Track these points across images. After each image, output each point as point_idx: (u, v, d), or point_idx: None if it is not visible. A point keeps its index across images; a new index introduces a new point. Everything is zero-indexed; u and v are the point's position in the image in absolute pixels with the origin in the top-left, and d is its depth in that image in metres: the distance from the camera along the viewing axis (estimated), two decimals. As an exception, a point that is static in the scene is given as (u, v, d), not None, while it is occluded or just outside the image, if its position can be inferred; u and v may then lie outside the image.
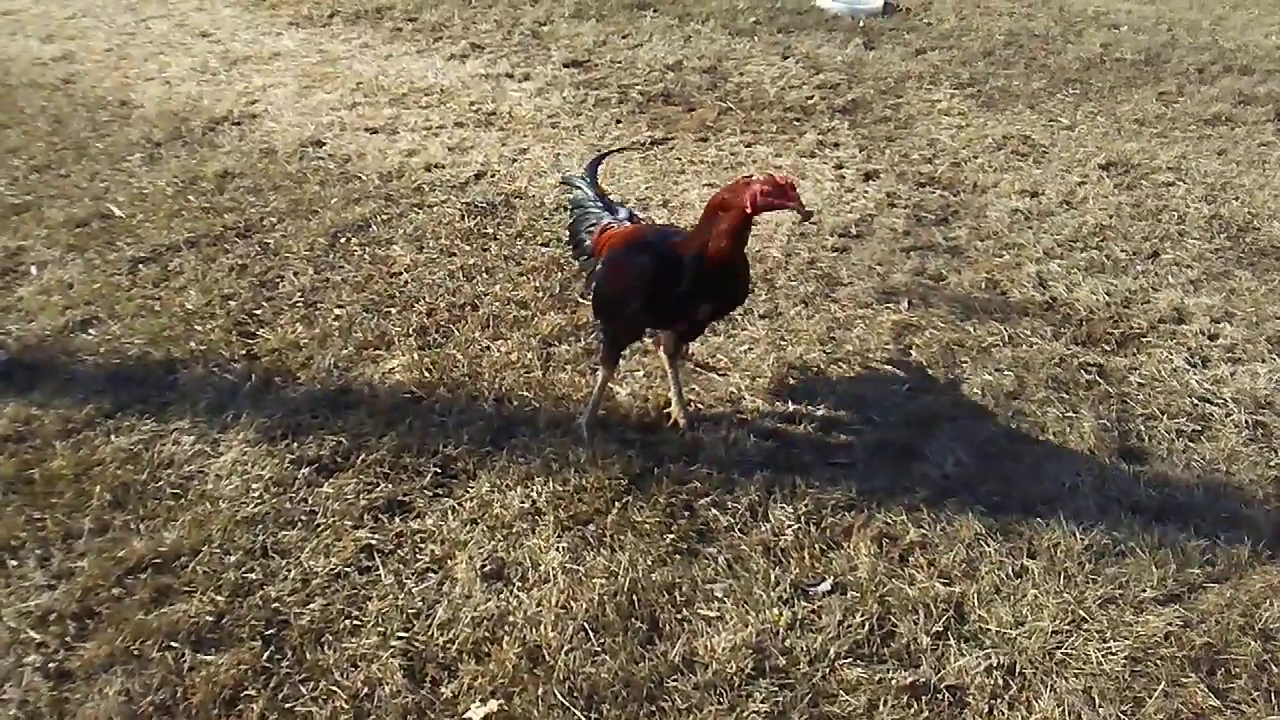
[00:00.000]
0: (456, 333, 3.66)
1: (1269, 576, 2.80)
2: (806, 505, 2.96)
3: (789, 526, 2.89)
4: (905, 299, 4.03)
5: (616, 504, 2.92)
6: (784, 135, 5.59)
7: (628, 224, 3.23)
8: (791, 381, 3.52)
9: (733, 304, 3.08)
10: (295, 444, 3.06)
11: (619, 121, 5.69)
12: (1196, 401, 3.54)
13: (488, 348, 3.59)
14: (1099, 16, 7.61)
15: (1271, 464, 3.24)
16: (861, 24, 7.28)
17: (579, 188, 3.44)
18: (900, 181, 5.07)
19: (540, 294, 3.91)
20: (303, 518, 2.82)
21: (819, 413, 3.37)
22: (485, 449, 3.10)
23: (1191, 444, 3.33)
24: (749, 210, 2.73)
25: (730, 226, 2.77)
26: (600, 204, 3.34)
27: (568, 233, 3.50)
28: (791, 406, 3.39)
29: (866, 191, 4.95)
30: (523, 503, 2.91)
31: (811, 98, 6.09)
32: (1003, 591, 2.74)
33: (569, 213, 3.47)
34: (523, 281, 4.00)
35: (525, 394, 3.36)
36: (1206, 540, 2.90)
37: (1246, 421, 3.43)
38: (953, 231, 4.62)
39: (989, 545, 2.87)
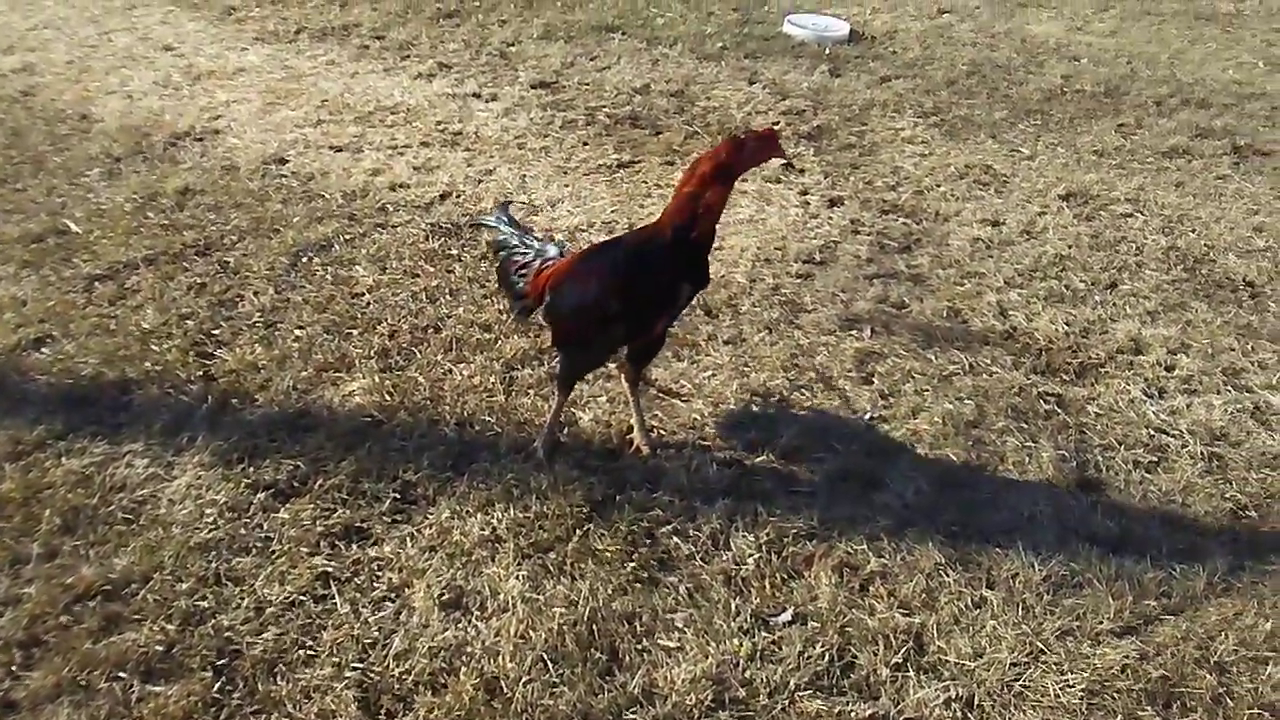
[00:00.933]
0: (418, 355, 3.63)
1: (1224, 609, 2.82)
2: (768, 534, 2.96)
3: (750, 555, 2.88)
4: (868, 326, 4.05)
5: (577, 531, 2.90)
6: (750, 160, 5.60)
7: (561, 259, 3.16)
8: (754, 408, 3.53)
9: (705, 280, 3.00)
10: (252, 468, 3.01)
11: (586, 143, 5.69)
12: (1153, 433, 3.58)
13: (450, 371, 3.56)
14: (1060, 48, 7.72)
15: (1226, 496, 3.28)
16: (828, 51, 7.34)
17: (493, 227, 3.37)
18: (864, 209, 5.11)
19: (504, 317, 3.89)
20: (258, 544, 2.77)
21: (781, 440, 3.37)
22: (446, 474, 3.07)
23: (1148, 475, 3.36)
24: (725, 156, 2.75)
25: (722, 189, 2.78)
26: (525, 242, 3.25)
27: (496, 279, 3.38)
28: (754, 433, 3.39)
29: (831, 218, 4.98)
30: (483, 530, 2.88)
31: (778, 123, 6.12)
32: (962, 622, 2.75)
33: (493, 257, 3.39)
34: (486, 304, 3.98)
35: (487, 418, 3.33)
36: (1163, 572, 2.93)
37: (1202, 453, 3.47)
38: (915, 259, 4.66)
39: (949, 575, 2.88)
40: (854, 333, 4.00)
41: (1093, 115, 6.58)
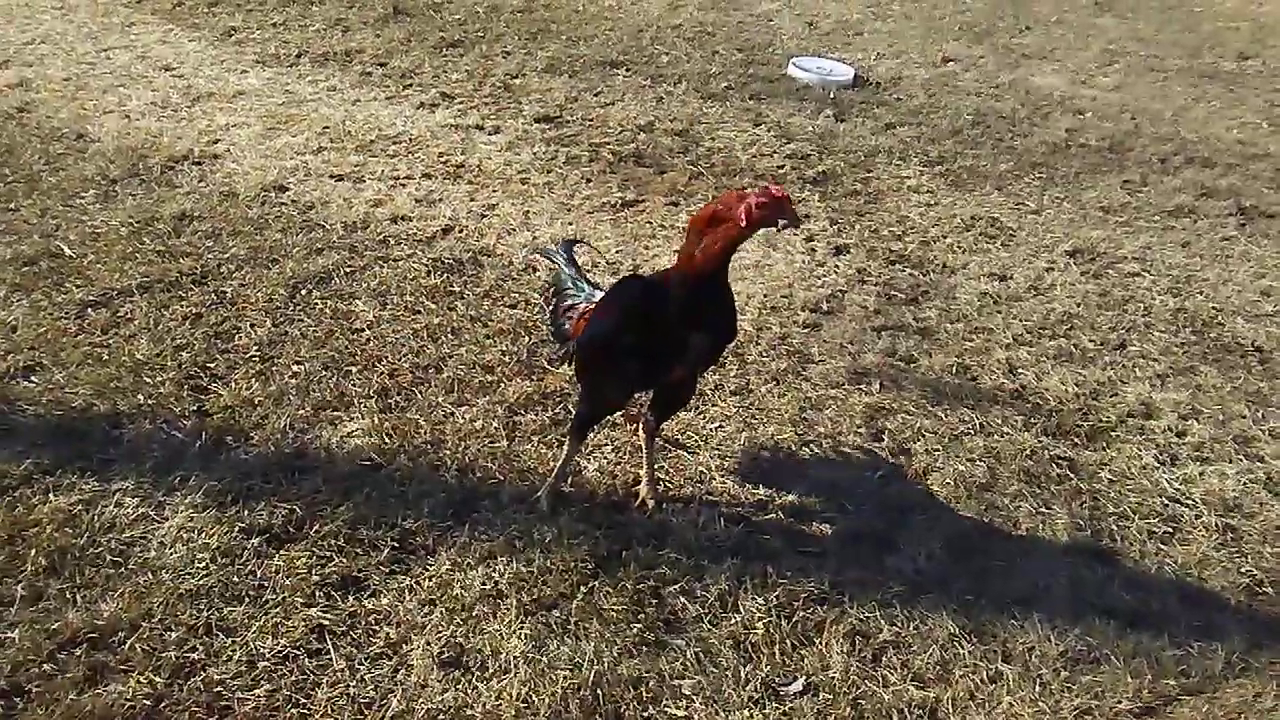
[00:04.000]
0: (419, 396, 3.54)
1: (1243, 690, 2.75)
2: (778, 596, 2.87)
3: (760, 619, 2.79)
4: (877, 380, 3.99)
5: (582, 588, 2.81)
6: (755, 204, 5.55)
7: None
8: (762, 463, 3.44)
9: (728, 334, 2.89)
10: (246, 511, 2.91)
11: (589, 180, 5.63)
12: (1167, 502, 3.51)
13: (451, 414, 3.47)
14: (1064, 101, 7.74)
15: (1242, 570, 3.21)
16: (832, 95, 7.33)
17: (556, 264, 3.31)
18: (870, 258, 5.06)
19: (507, 359, 3.81)
20: (251, 593, 2.66)
21: (790, 497, 3.29)
22: (446, 524, 2.97)
23: (1164, 546, 3.29)
24: (744, 224, 2.57)
25: (722, 241, 2.62)
26: (578, 284, 3.20)
27: (549, 319, 3.30)
28: (762, 490, 3.31)
29: (837, 266, 4.93)
30: (484, 584, 2.78)
31: (783, 167, 6.08)
32: (978, 698, 2.66)
33: (549, 295, 3.31)
34: (489, 344, 3.89)
35: (489, 465, 3.24)
36: (1180, 650, 2.85)
37: (1217, 525, 3.41)
38: (923, 312, 4.60)
39: (963, 647, 2.80)
40: (863, 387, 3.93)
41: (1098, 170, 6.57)
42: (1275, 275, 5.36)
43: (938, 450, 3.62)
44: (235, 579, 2.69)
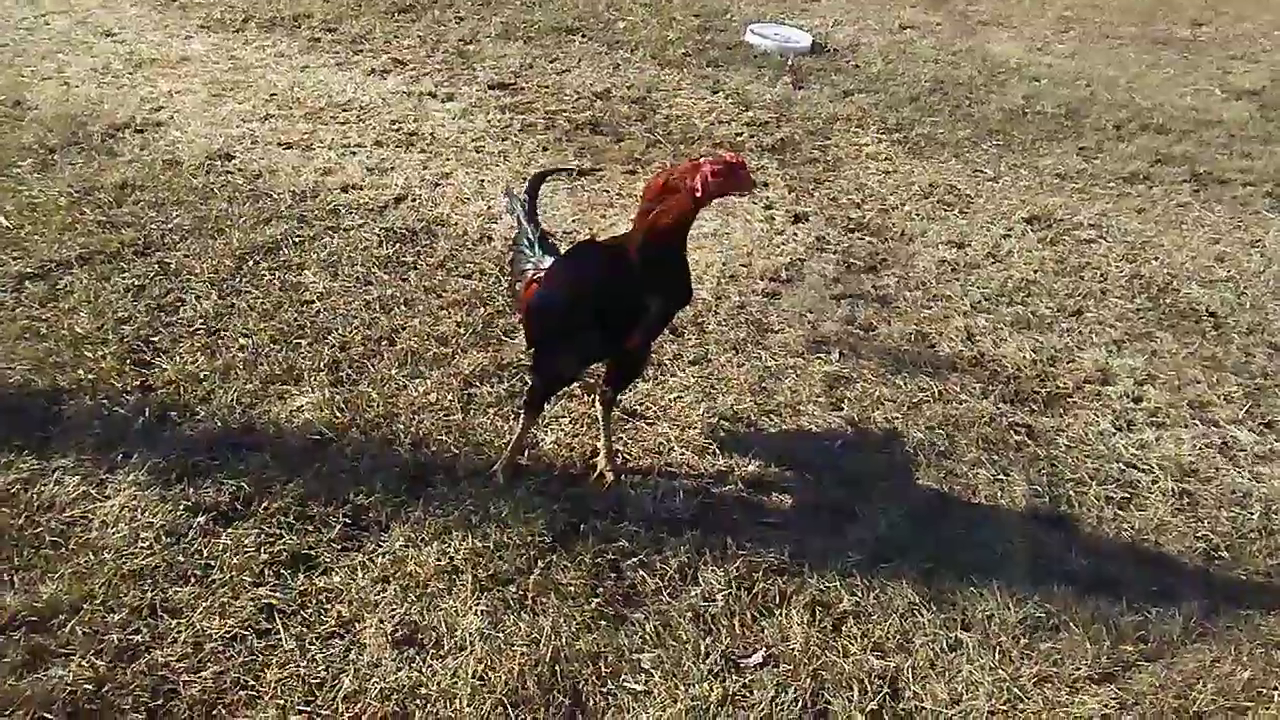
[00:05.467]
0: (371, 369, 3.46)
1: (1201, 655, 2.76)
2: (737, 568, 2.84)
3: (719, 592, 2.76)
4: (836, 349, 3.96)
5: (539, 563, 2.76)
6: (713, 172, 5.49)
7: None
8: (722, 433, 3.40)
9: (682, 298, 2.83)
10: (191, 488, 2.82)
11: (545, 149, 5.53)
12: (1124, 467, 3.52)
13: (405, 386, 3.39)
14: (1020, 68, 7.73)
15: (1199, 535, 3.22)
16: (790, 62, 7.26)
17: (515, 210, 3.23)
18: (829, 225, 5.02)
19: (462, 330, 3.73)
20: (196, 572, 2.59)
21: (750, 467, 3.26)
22: (399, 499, 2.90)
23: (1121, 512, 3.30)
24: (699, 195, 2.53)
25: (676, 210, 2.57)
26: (533, 247, 3.12)
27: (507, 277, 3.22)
28: (721, 460, 3.28)
29: (796, 234, 4.89)
30: (438, 560, 2.72)
31: (741, 134, 6.02)
32: (937, 666, 2.65)
33: (509, 252, 3.23)
34: (444, 315, 3.81)
35: (444, 438, 3.17)
36: (1139, 615, 2.86)
37: (1173, 490, 3.42)
38: (881, 280, 4.58)
39: (923, 615, 2.78)
40: (822, 355, 3.90)
41: (1054, 137, 6.57)
42: (1229, 241, 5.39)
43: (897, 418, 3.60)
44: (180, 559, 2.61)
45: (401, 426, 3.19)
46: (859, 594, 2.83)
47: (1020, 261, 4.90)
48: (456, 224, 4.54)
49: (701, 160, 2.59)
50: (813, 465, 3.30)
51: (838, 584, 2.84)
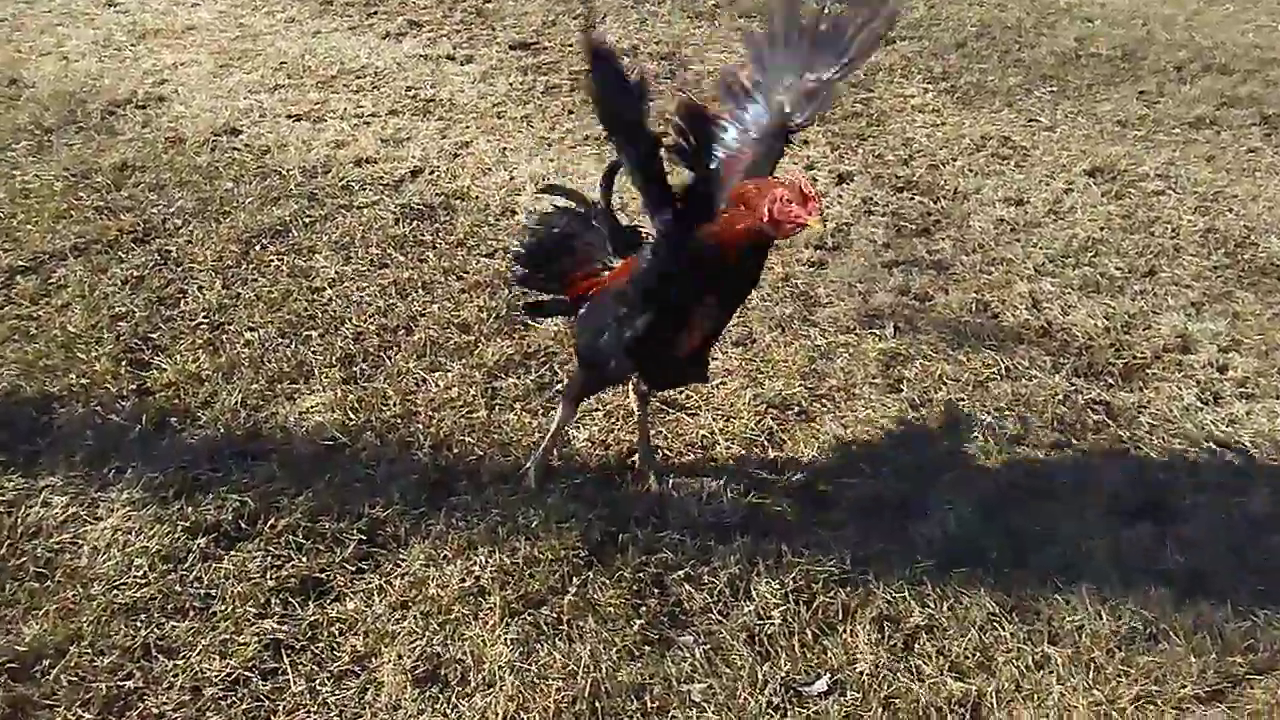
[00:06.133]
0: (387, 362, 3.19)
1: (1319, 665, 2.45)
2: (794, 579, 2.56)
3: (776, 607, 2.48)
4: (890, 323, 3.64)
5: (574, 580, 2.49)
6: (749, 130, 5.15)
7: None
8: (771, 422, 3.11)
9: (738, 301, 2.61)
10: (190, 506, 2.57)
11: (571, 112, 5.21)
12: (1215, 447, 3.19)
13: (424, 381, 3.12)
14: (1072, 8, 7.28)
15: (1307, 526, 2.89)
16: (828, 8, 6.87)
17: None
18: (876, 185, 4.68)
19: (485, 315, 3.44)
20: (196, 604, 2.34)
21: (803, 460, 2.96)
22: (419, 510, 2.64)
23: (1215, 498, 2.97)
24: (765, 220, 2.23)
25: (744, 226, 2.28)
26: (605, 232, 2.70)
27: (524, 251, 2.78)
28: (772, 453, 2.99)
29: (841, 197, 4.55)
30: (463, 580, 2.46)
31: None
32: (1024, 688, 2.36)
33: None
34: (465, 300, 3.53)
35: (467, 439, 2.90)
36: (1245, 621, 2.54)
37: (1269, 472, 3.09)
38: (936, 243, 4.24)
39: (1004, 628, 2.49)
40: (876, 331, 3.58)
41: (1111, 81, 6.15)
42: (1308, 188, 4.99)
43: (962, 400, 3.29)
44: (178, 588, 2.36)
45: (420, 427, 2.92)
46: (931, 605, 2.54)
47: (1085, 218, 4.54)
48: (478, 197, 4.24)
49: (780, 182, 2.28)
50: (872, 456, 3.00)
51: (906, 594, 2.55)
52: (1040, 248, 4.25)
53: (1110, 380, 3.47)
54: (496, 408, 3.03)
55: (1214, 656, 2.44)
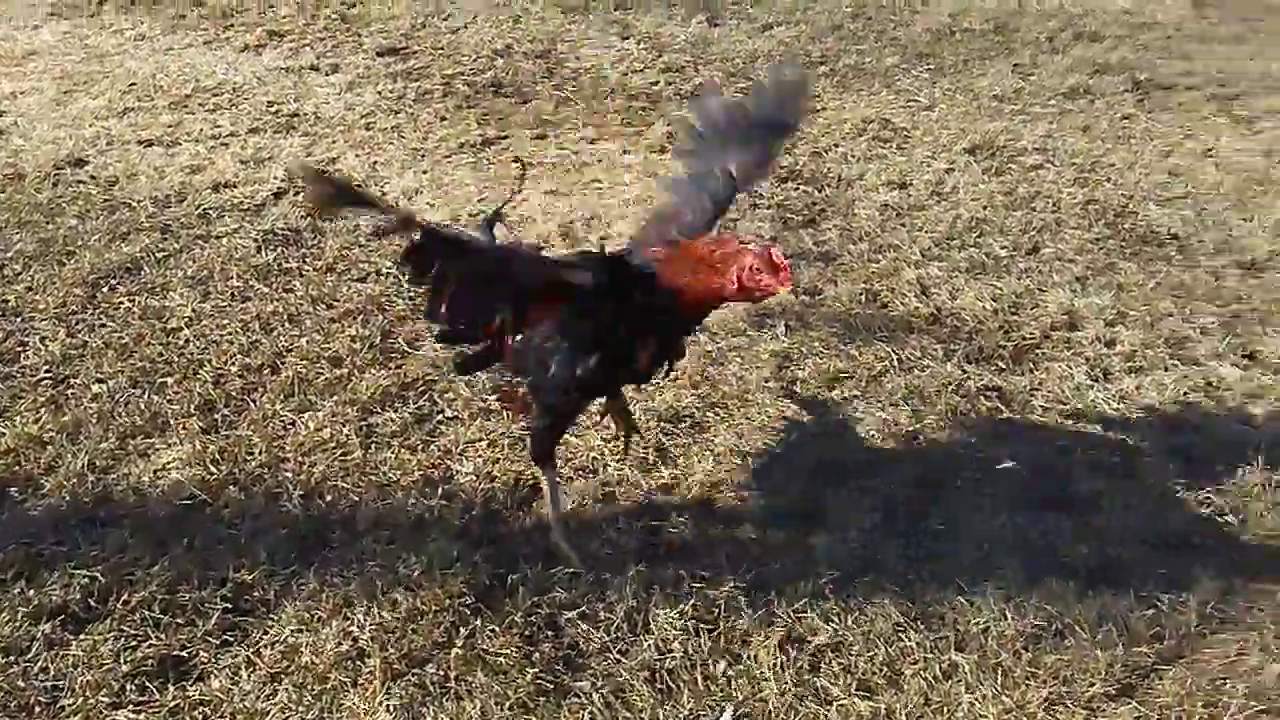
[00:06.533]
0: (252, 406, 2.98)
1: (1224, 648, 2.42)
2: (693, 606, 2.44)
3: (676, 639, 2.36)
4: (781, 322, 3.55)
5: (461, 631, 2.34)
6: (630, 127, 5.04)
7: None
8: (663, 438, 2.99)
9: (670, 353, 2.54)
10: (33, 588, 2.34)
11: (444, 118, 5.03)
12: (1108, 425, 3.17)
13: (292, 423, 2.92)
14: (944, -17, 7.33)
15: (1200, 500, 2.88)
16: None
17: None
18: (760, 177, 4.59)
19: (358, 345, 3.26)
20: (42, 700, 2.12)
21: (697, 475, 2.85)
22: (289, 569, 2.45)
23: (1112, 481, 2.95)
24: (734, 288, 2.21)
25: (705, 289, 2.25)
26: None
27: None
28: (665, 471, 2.87)
29: (725, 191, 4.44)
30: (339, 643, 2.28)
31: (657, 83, 5.55)
32: (933, 700, 2.28)
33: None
34: (335, 330, 3.33)
35: (341, 484, 2.72)
36: (1150, 609, 2.51)
37: (1163, 447, 3.08)
38: (822, 234, 4.17)
39: (910, 638, 2.41)
40: (767, 331, 3.49)
41: (986, 56, 6.19)
42: (1180, 153, 5.07)
43: (856, 396, 3.22)
44: (21, 683, 2.15)
45: (290, 475, 2.73)
46: (835, 620, 2.44)
47: (967, 198, 4.53)
48: (347, 217, 4.03)
49: (748, 246, 2.24)
50: (769, 465, 2.91)
51: (810, 611, 2.45)
52: (925, 231, 4.22)
53: (1001, 364, 3.44)
54: (373, 446, 2.86)
55: (1121, 650, 2.40)
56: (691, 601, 2.45)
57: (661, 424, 3.04)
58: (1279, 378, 3.43)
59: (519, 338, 2.46)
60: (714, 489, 2.82)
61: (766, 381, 3.25)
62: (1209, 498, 2.90)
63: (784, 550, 2.64)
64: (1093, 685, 2.32)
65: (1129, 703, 2.29)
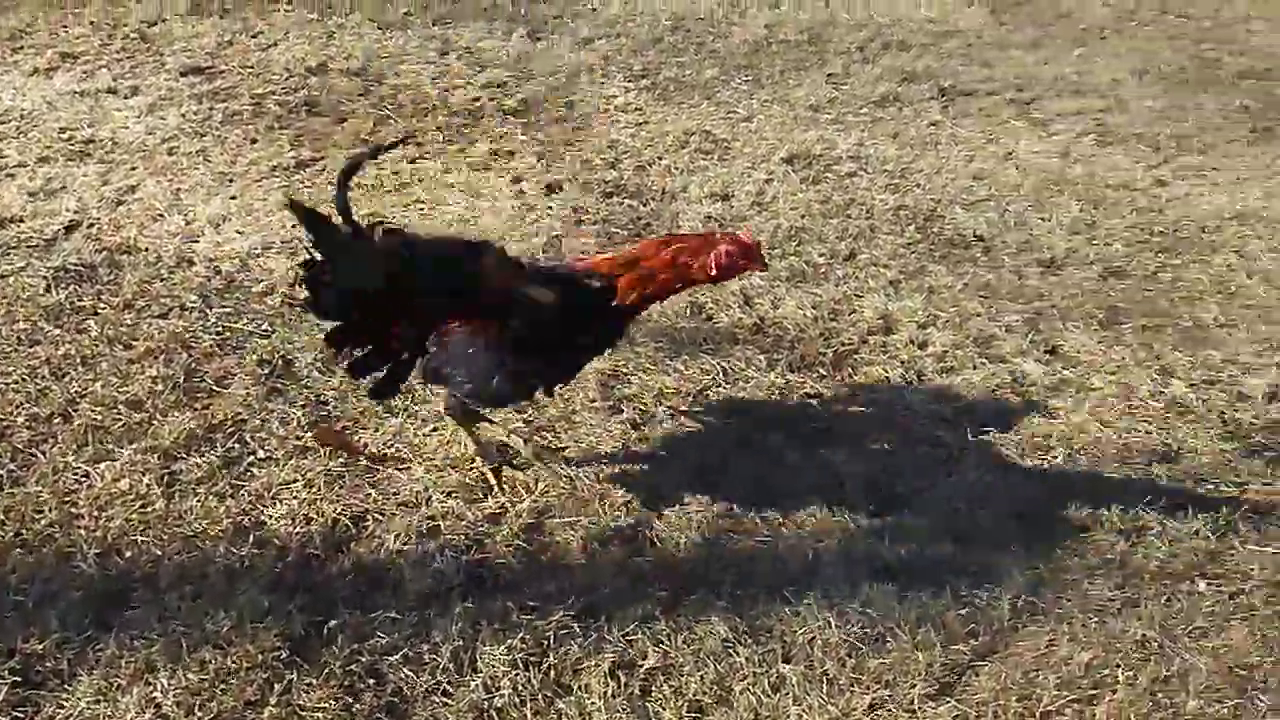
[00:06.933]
0: (41, 459, 2.77)
1: (1035, 640, 2.54)
2: (522, 640, 2.40)
3: (504, 675, 2.31)
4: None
5: (275, 688, 2.23)
6: (453, 145, 4.95)
7: None
8: (490, 466, 2.93)
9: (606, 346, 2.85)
10: None
11: (254, 140, 4.82)
12: (922, 424, 3.28)
13: (87, 475, 2.73)
14: (758, -6, 7.50)
15: (1011, 495, 3.01)
16: (524, 11, 6.73)
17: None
18: (585, 192, 4.58)
19: (159, 386, 3.08)
20: None
21: (525, 504, 2.80)
22: (85, 635, 2.28)
23: (926, 480, 3.05)
24: (713, 274, 2.52)
25: (679, 284, 2.59)
26: None
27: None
28: (491, 501, 2.81)
29: (550, 208, 4.42)
30: (141, 711, 2.14)
31: (478, 99, 5.47)
32: (762, 715, 2.31)
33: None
34: (134, 372, 3.14)
35: (141, 538, 2.56)
36: (965, 607, 2.60)
37: (973, 443, 3.21)
38: (647, 248, 4.18)
39: (739, 653, 2.43)
40: (592, 350, 3.47)
41: (801, 66, 6.35)
42: (983, 156, 5.32)
43: (683, 412, 3.23)
44: None
45: (83, 532, 2.55)
46: (665, 641, 2.44)
47: (786, 207, 4.63)
48: (147, 249, 3.82)
49: (717, 235, 2.56)
50: (597, 488, 2.89)
51: (640, 635, 2.45)
52: (748, 242, 4.28)
53: (822, 371, 3.52)
54: (176, 495, 2.70)
55: (939, 649, 2.48)
56: (520, 635, 2.41)
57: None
58: (1078, 371, 3.62)
59: (433, 350, 2.57)
60: (542, 515, 2.78)
61: (593, 401, 3.23)
62: (1016, 492, 3.03)
63: (614, 574, 2.62)
64: (914, 687, 2.38)
65: (948, 701, 2.37)
